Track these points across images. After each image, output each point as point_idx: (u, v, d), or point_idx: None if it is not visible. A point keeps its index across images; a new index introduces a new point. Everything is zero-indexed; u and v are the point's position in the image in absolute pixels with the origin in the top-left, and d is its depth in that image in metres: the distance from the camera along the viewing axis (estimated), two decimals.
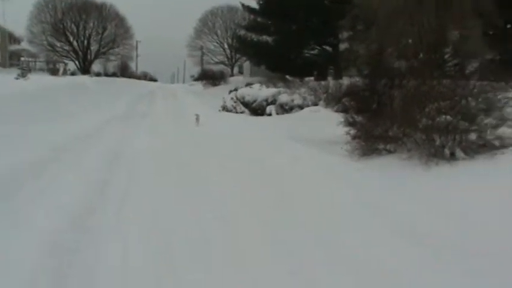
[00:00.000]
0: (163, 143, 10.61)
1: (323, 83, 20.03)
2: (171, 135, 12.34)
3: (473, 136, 6.24)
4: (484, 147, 6.20)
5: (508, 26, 20.63)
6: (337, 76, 23.83)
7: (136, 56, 60.80)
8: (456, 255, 3.75)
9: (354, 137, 8.01)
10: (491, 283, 3.31)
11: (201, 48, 57.78)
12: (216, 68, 49.64)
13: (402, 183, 5.98)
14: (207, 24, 57.15)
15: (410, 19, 13.78)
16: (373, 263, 3.76)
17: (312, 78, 27.11)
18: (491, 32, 17.95)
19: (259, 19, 32.33)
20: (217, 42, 57.78)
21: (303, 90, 19.33)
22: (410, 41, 14.07)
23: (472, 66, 14.05)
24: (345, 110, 10.41)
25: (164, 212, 5.32)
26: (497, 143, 6.13)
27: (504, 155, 5.82)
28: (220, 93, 24.13)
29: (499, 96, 6.56)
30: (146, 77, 56.75)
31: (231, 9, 53.97)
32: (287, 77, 27.19)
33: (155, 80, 57.32)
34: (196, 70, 55.42)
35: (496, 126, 6.22)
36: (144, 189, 6.38)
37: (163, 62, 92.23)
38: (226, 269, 3.80)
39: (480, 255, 3.69)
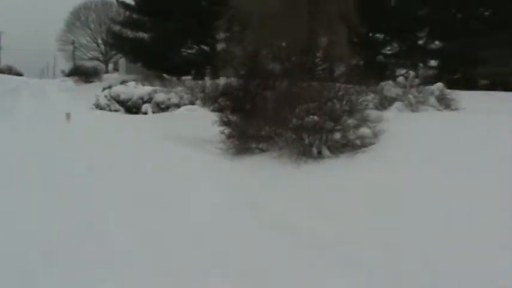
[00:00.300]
0: (28, 142, 9.88)
1: (200, 82, 20.09)
2: (39, 133, 11.51)
3: (337, 136, 6.66)
4: (347, 146, 6.65)
5: (370, 34, 22.53)
6: (215, 76, 23.96)
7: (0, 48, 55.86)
8: (322, 244, 3.97)
9: (229, 136, 8.13)
10: (352, 268, 3.53)
11: (73, 42, 54.65)
12: (89, 64, 47.43)
13: (274, 180, 6.18)
14: (80, 17, 54.21)
15: (283, 23, 14.34)
16: (247, 261, 3.80)
17: (189, 77, 27.03)
18: (355, 40, 19.42)
19: (135, 15, 31.51)
20: (90, 37, 55.07)
21: (179, 89, 19.26)
22: (284, 44, 14.64)
23: (339, 70, 15.05)
24: (220, 110, 10.51)
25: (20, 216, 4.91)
26: (358, 142, 6.62)
27: (364, 154, 6.31)
28: (94, 91, 22.98)
29: (360, 99, 7.11)
30: (11, 71, 52.51)
31: (105, 3, 51.65)
32: (164, 75, 26.82)
33: (21, 75, 53.19)
34: (68, 65, 52.37)
35: (357, 127, 6.71)
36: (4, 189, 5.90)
37: (31, 56, 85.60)
38: None
39: (341, 243, 3.95)
